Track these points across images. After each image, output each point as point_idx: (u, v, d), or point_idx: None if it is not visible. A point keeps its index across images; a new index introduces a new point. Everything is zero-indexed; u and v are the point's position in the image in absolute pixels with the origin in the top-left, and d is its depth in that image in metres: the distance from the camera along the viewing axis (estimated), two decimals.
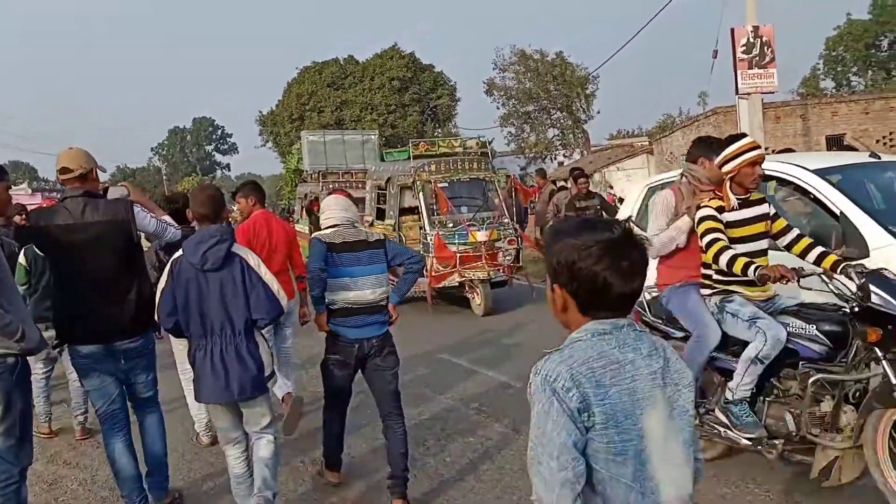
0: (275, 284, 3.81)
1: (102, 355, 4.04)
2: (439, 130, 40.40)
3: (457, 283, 10.48)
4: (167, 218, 4.40)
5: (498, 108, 42.08)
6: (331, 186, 16.14)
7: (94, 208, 3.96)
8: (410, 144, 12.38)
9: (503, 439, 5.39)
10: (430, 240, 10.36)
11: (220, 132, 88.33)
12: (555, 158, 42.30)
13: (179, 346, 5.22)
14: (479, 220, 10.65)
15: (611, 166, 30.48)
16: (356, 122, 37.42)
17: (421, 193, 10.76)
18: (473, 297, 10.64)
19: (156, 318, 3.86)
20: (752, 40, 15.85)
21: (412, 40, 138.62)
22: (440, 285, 10.47)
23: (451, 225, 10.50)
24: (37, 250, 5.19)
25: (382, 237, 4.65)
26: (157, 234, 4.28)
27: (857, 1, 63.25)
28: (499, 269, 10.52)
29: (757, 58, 16.39)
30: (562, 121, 42.28)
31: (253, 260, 3.83)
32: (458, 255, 10.21)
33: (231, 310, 3.70)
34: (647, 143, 33.14)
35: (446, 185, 10.97)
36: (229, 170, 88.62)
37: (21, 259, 5.58)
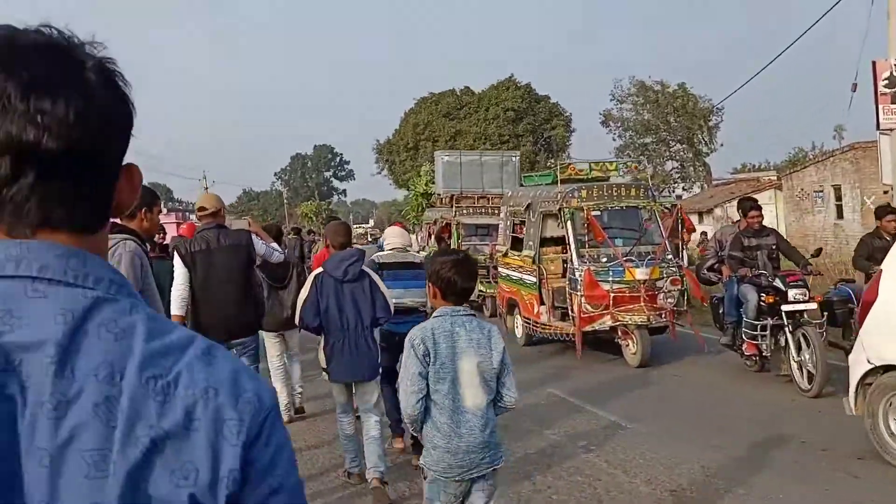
0: (388, 294, 4.96)
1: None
2: (552, 161, 40.38)
3: (608, 328, 8.93)
4: (274, 244, 5.67)
5: (614, 140, 41.46)
6: (464, 212, 15.12)
7: (225, 236, 5.09)
8: (557, 166, 10.95)
9: (614, 483, 5.29)
10: (579, 275, 8.92)
11: (338, 159, 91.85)
12: (673, 191, 41.20)
13: (273, 341, 6.75)
14: (637, 254, 9.16)
15: (734, 202, 29.37)
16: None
17: (569, 222, 9.27)
18: (628, 345, 8.98)
19: (297, 320, 4.98)
20: (894, 74, 14.96)
21: (528, 70, 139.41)
22: (589, 328, 8.93)
23: (604, 260, 9.04)
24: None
25: (423, 260, 6.41)
26: (266, 256, 5.39)
27: None
28: (659, 313, 8.91)
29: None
30: (681, 153, 41.17)
31: (375, 276, 4.97)
32: (612, 294, 8.71)
33: (362, 311, 4.81)
34: (775, 177, 31.68)
35: (598, 213, 9.45)
36: (345, 195, 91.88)
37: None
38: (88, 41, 0.76)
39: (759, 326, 7.53)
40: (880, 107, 15.78)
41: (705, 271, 8.58)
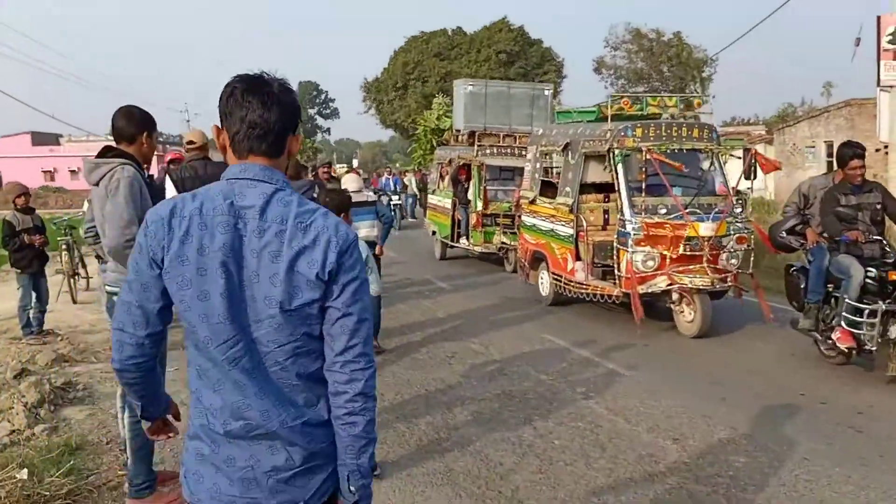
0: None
1: None
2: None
3: (660, 290, 7.70)
4: None
5: (606, 88, 40.93)
6: (487, 152, 13.02)
7: (210, 167, 5.55)
8: (609, 101, 8.84)
9: (613, 427, 5.28)
10: (632, 228, 7.62)
11: (323, 96, 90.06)
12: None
13: None
14: (699, 206, 7.81)
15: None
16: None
17: (620, 165, 7.90)
18: (682, 312, 7.80)
19: None
20: None
21: (522, 13, 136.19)
22: (645, 289, 7.64)
23: (662, 211, 7.71)
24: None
25: (376, 199, 7.78)
26: None
27: None
28: (723, 276, 7.68)
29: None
30: None
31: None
32: (668, 253, 7.57)
33: None
34: (765, 131, 31.56)
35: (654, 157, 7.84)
36: (329, 134, 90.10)
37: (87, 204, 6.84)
38: (276, 75, 1.80)
39: (864, 311, 5.86)
40: (882, 62, 15.60)
41: (783, 234, 6.77)
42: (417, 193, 24.75)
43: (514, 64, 37.06)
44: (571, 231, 8.63)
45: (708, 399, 5.76)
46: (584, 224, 8.57)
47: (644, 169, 7.74)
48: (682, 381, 6.28)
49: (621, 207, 7.89)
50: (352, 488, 1.78)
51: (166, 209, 1.74)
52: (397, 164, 39.85)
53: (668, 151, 7.90)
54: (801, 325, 6.65)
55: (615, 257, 7.89)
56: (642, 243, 7.60)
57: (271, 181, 1.73)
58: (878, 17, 14.51)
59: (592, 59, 39.39)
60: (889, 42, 14.46)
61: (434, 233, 14.95)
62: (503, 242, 12.33)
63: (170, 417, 2.13)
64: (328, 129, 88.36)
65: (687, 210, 7.64)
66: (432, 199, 15.42)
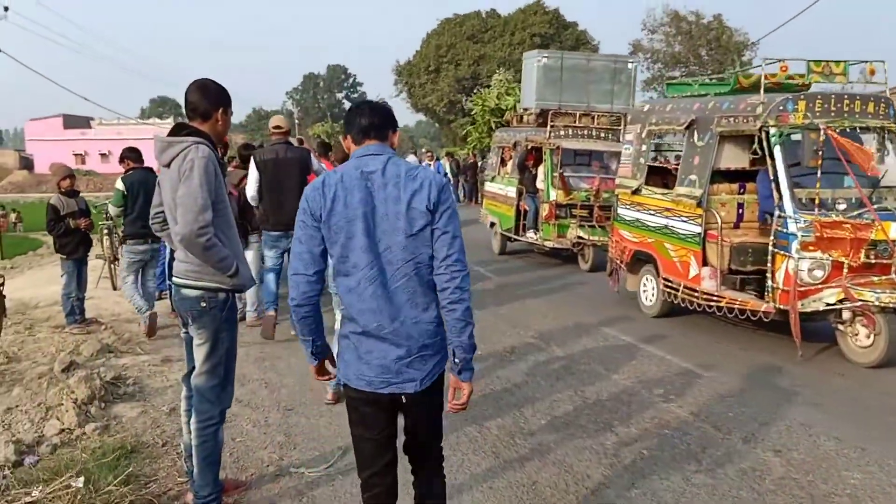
0: None
1: (283, 236, 6.62)
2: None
3: (824, 307, 6.14)
4: (323, 163, 7.16)
5: (641, 72, 40.06)
6: (561, 133, 11.35)
7: (290, 150, 6.67)
8: (763, 66, 6.73)
9: (703, 436, 4.86)
10: (800, 228, 6.09)
11: (351, 80, 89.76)
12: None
13: None
14: (882, 199, 6.41)
15: None
16: (492, 77, 36.72)
17: (779, 149, 6.34)
18: (856, 334, 6.14)
19: None
20: None
21: None
22: (807, 306, 6.13)
23: (842, 206, 6.27)
24: (131, 180, 7.04)
25: None
26: (318, 172, 6.52)
27: None
28: None
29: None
30: None
31: None
32: (846, 260, 6.07)
33: None
34: None
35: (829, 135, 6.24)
36: None
37: (120, 185, 7.08)
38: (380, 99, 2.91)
39: None
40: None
41: None
42: (451, 178, 23.96)
43: (548, 47, 36.16)
44: (698, 229, 7.06)
45: (802, 404, 5.31)
46: (719, 220, 6.95)
47: (820, 153, 6.10)
48: (767, 383, 5.83)
49: (780, 202, 6.28)
50: (456, 360, 2.55)
51: (319, 182, 2.58)
52: (423, 149, 38.90)
53: (840, 131, 6.36)
54: None
55: (770, 264, 6.35)
56: (811, 248, 6.08)
57: (384, 154, 2.59)
58: None
59: (629, 42, 38.49)
60: None
61: (493, 224, 13.15)
62: (579, 237, 10.85)
63: (327, 363, 2.78)
64: None
65: (874, 205, 6.21)
66: (491, 187, 13.56)
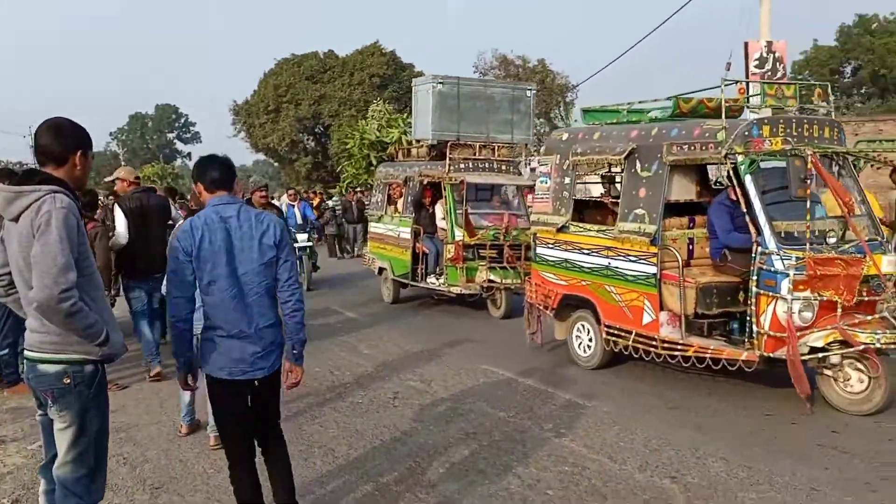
0: None
1: (149, 279, 6.81)
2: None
3: (807, 352, 5.52)
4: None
5: None
6: (461, 167, 10.17)
7: (153, 198, 7.30)
8: (721, 88, 6.14)
9: (601, 469, 4.82)
10: (789, 265, 5.48)
11: (183, 120, 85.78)
12: (528, 164, 42.05)
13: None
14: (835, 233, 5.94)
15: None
16: (334, 118, 36.43)
17: (750, 178, 5.77)
18: (847, 379, 5.60)
19: None
20: (765, 55, 15.67)
21: (393, 39, 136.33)
22: (805, 353, 5.51)
23: (832, 240, 5.81)
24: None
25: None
26: (175, 220, 7.31)
27: (823, 29, 64.92)
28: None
29: (769, 73, 16.25)
30: (538, 127, 42.07)
31: None
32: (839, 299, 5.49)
33: None
34: None
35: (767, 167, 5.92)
36: (190, 158, 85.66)
37: None
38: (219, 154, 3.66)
39: None
40: (751, 87, 16.60)
41: None
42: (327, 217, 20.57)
43: (388, 87, 36.63)
44: (653, 269, 6.27)
45: (685, 427, 5.43)
46: (680, 259, 6.17)
47: (808, 182, 5.53)
48: (648, 408, 5.94)
49: (763, 235, 5.67)
50: (295, 351, 3.47)
51: (188, 225, 3.33)
52: (288, 190, 36.85)
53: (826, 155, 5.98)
54: None
55: (753, 306, 5.69)
56: (802, 287, 5.50)
57: (236, 202, 3.41)
58: (746, 43, 15.29)
59: None
60: (756, 66, 15.28)
61: (382, 270, 11.69)
62: (490, 280, 9.71)
63: (189, 377, 3.46)
64: (189, 154, 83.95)
65: (866, 239, 5.77)
66: (378, 228, 12.08)
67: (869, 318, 5.56)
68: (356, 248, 19.26)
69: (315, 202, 20.97)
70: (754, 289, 5.66)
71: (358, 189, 23.42)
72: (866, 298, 5.59)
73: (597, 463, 4.77)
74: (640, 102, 7.21)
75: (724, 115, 5.99)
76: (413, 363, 7.56)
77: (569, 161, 7.28)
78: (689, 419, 5.63)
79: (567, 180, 7.35)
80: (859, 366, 5.53)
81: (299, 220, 13.08)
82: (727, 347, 5.95)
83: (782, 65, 15.46)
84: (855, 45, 40.64)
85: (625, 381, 6.77)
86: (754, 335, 5.68)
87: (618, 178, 7.60)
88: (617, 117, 7.39)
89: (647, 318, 6.37)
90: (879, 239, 5.98)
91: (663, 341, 6.21)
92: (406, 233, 10.84)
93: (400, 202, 11.55)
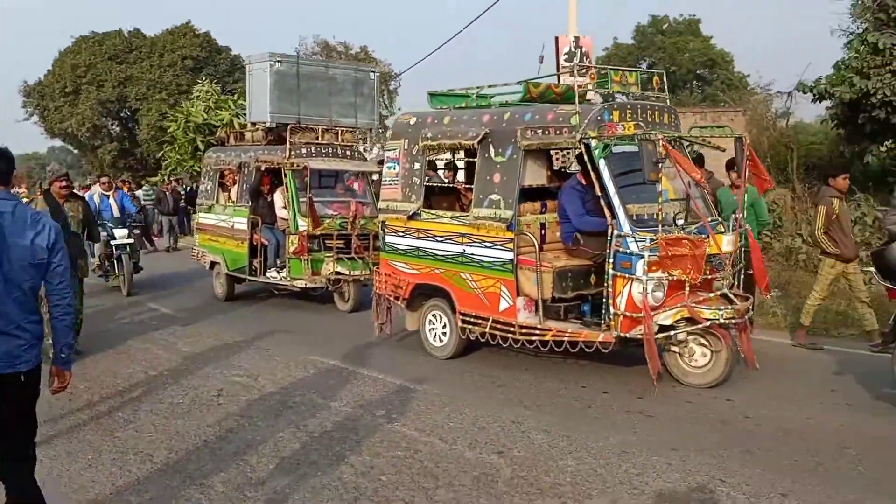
0: None
1: None
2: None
3: (658, 330, 5.70)
4: None
5: None
6: (304, 152, 9.65)
7: None
8: (574, 73, 6.44)
9: (433, 450, 4.89)
10: (643, 247, 5.60)
11: None
12: (370, 150, 41.87)
13: None
14: (680, 215, 6.22)
15: None
16: (142, 101, 33.93)
17: (603, 163, 5.83)
18: (692, 354, 5.94)
19: None
20: (573, 49, 16.68)
21: (208, 20, 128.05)
22: (635, 333, 5.69)
23: (680, 221, 6.04)
24: None
25: None
26: None
27: (623, 27, 70.29)
28: (743, 307, 5.87)
29: (577, 67, 17.33)
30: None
31: None
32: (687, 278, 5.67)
33: None
34: None
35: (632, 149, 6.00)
36: None
37: None
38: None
39: None
40: (561, 80, 17.59)
41: None
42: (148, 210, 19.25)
43: (202, 70, 34.66)
44: (509, 255, 6.23)
45: (509, 403, 5.67)
46: (536, 244, 6.15)
47: (660, 165, 5.60)
48: (475, 387, 6.14)
49: (617, 219, 5.75)
50: (62, 355, 3.39)
51: None
52: (103, 179, 33.12)
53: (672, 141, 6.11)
54: None
55: (610, 288, 5.75)
56: (655, 267, 5.63)
57: (12, 199, 3.26)
58: (556, 38, 16.15)
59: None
60: (566, 60, 16.22)
61: (214, 264, 10.78)
62: (338, 272, 9.19)
63: None
64: None
65: (710, 220, 6.03)
66: (208, 219, 11.13)
67: (710, 295, 5.83)
68: (171, 241, 18.18)
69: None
70: (611, 271, 5.73)
71: (173, 179, 21.99)
72: (709, 276, 5.82)
73: (428, 445, 4.84)
74: (489, 87, 7.11)
75: (577, 101, 6.07)
76: (238, 358, 7.23)
77: (418, 146, 7.04)
78: (514, 396, 5.87)
79: (417, 166, 7.08)
80: (703, 341, 5.84)
81: (116, 213, 11.42)
82: (584, 330, 6.00)
83: (588, 59, 16.52)
84: (649, 44, 44.45)
85: (455, 363, 6.92)
86: (611, 316, 5.74)
87: (461, 165, 7.57)
88: (466, 101, 7.23)
89: (504, 305, 6.33)
90: (719, 219, 6.30)
91: (521, 327, 6.19)
92: (241, 223, 10.13)
93: (234, 190, 10.78)
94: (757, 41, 48.98)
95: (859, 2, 14.21)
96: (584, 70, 6.66)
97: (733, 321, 5.74)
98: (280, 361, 7.06)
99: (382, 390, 6.10)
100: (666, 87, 6.64)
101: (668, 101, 6.71)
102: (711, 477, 4.23)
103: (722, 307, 5.71)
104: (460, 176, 8.59)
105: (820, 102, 14.41)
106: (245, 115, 13.29)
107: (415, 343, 7.40)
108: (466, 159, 7.71)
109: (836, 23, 25.08)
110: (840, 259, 6.98)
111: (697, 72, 41.05)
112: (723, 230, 5.98)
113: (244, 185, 10.35)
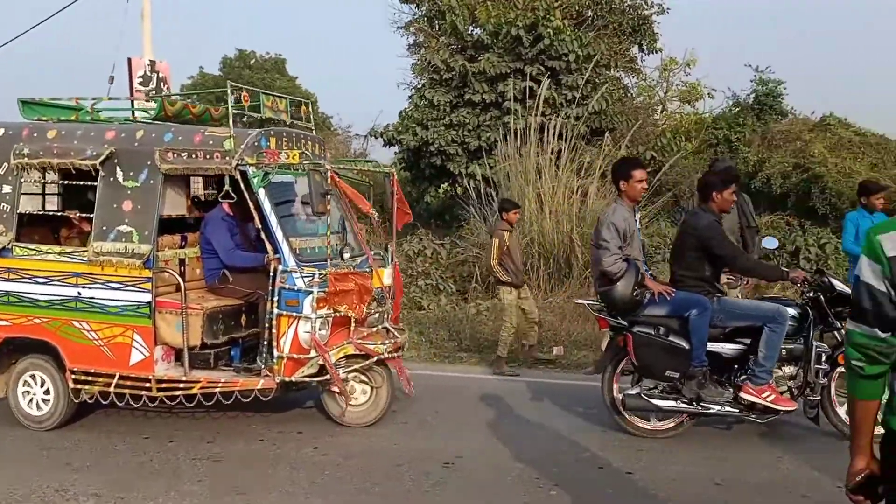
0: None
1: None
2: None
3: (316, 371, 5.40)
4: None
5: None
6: None
7: None
8: (229, 94, 5.49)
9: None
10: (316, 283, 5.26)
11: None
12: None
13: None
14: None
15: None
16: None
17: (264, 192, 5.34)
18: (352, 392, 5.66)
19: None
20: (149, 74, 15.75)
21: None
22: (304, 373, 5.34)
23: (347, 255, 5.72)
24: None
25: None
26: None
27: (208, 57, 69.31)
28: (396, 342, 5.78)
29: (154, 91, 16.31)
30: None
31: None
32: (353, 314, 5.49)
33: None
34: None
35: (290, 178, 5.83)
36: None
37: None
38: None
39: None
40: (136, 103, 16.34)
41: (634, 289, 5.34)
42: None
43: None
44: (146, 297, 5.32)
45: (52, 467, 4.90)
46: (182, 284, 5.42)
47: (328, 197, 5.32)
48: (18, 456, 5.16)
49: (281, 253, 5.29)
50: None
51: None
52: None
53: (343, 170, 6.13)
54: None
55: (274, 329, 5.25)
56: (322, 304, 5.26)
57: None
58: (129, 59, 15.17)
59: None
60: (140, 84, 15.28)
61: None
62: None
63: None
64: None
65: (375, 254, 5.94)
66: None
67: (373, 329, 5.72)
68: None
69: None
70: (275, 310, 5.25)
71: None
72: (373, 311, 5.71)
73: None
74: (109, 98, 6.26)
75: (231, 122, 5.45)
76: None
77: (9, 165, 5.67)
78: (62, 458, 5.07)
79: (7, 189, 5.71)
80: (363, 378, 5.61)
81: None
82: (240, 377, 5.43)
83: (167, 85, 15.83)
84: (237, 77, 44.72)
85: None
86: (273, 360, 5.27)
87: (58, 190, 6.33)
88: (77, 114, 6.11)
89: (136, 357, 5.37)
90: (381, 253, 6.24)
91: (159, 381, 5.35)
92: None
93: None
94: (337, 85, 52.92)
95: (418, 61, 16.37)
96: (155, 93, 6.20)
97: (393, 354, 5.68)
98: None
99: None
100: (311, 117, 6.54)
101: (313, 131, 6.55)
102: None
103: (385, 341, 5.63)
104: (54, 203, 6.70)
105: (390, 147, 16.12)
106: None
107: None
108: (67, 182, 6.23)
109: (402, 76, 28.43)
110: (512, 286, 7.73)
111: None
112: (382, 264, 5.98)
113: None
